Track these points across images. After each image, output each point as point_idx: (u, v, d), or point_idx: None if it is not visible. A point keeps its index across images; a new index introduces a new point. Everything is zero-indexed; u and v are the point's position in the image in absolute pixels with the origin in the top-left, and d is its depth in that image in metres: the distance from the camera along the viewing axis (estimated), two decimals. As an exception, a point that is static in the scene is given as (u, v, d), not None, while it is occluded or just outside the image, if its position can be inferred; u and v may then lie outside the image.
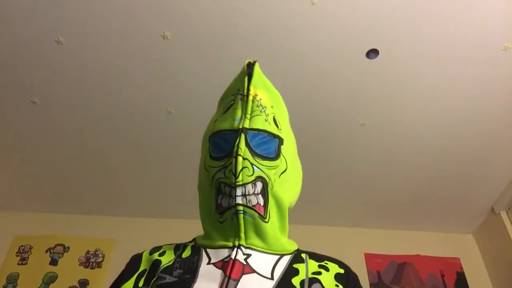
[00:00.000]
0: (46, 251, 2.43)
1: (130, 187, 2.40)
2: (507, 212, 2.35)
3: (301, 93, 1.82)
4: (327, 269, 0.69)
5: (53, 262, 2.39)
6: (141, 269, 0.70)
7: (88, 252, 2.44)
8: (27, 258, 2.40)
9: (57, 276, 2.34)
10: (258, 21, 1.57)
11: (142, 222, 2.57)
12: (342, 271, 0.70)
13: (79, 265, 2.39)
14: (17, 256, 2.41)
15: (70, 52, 1.68)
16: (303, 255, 0.71)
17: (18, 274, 2.35)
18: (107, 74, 1.77)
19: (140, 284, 0.66)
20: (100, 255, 2.43)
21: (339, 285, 0.66)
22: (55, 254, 2.42)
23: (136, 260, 0.73)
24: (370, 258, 2.46)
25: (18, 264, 2.38)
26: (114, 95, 1.86)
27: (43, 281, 2.32)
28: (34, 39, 1.63)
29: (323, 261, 0.71)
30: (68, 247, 2.45)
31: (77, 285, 2.32)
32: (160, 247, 0.74)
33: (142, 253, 0.74)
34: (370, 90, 1.81)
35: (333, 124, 1.96)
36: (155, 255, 0.71)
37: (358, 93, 1.82)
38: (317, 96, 1.84)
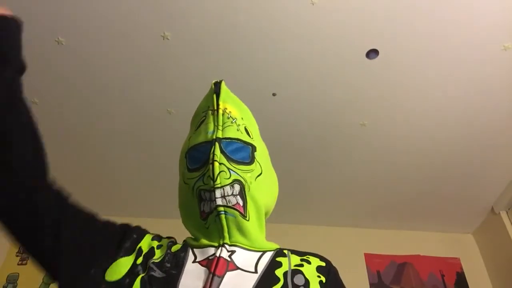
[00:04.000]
0: (46, 251, 2.43)
1: (130, 187, 2.40)
2: (507, 212, 2.35)
3: (301, 93, 1.82)
4: (309, 262, 0.72)
5: (53, 262, 2.39)
6: (141, 245, 0.72)
7: (88, 252, 2.44)
8: (27, 258, 2.40)
9: (57, 276, 2.34)
10: (258, 22, 1.57)
11: (142, 222, 2.54)
12: (323, 263, 0.73)
13: (79, 265, 2.39)
14: (17, 256, 2.41)
15: (70, 52, 1.68)
16: (285, 251, 0.74)
17: (18, 274, 2.34)
18: (107, 74, 1.77)
19: (138, 262, 0.68)
20: (100, 255, 2.43)
21: (321, 276, 0.69)
22: (55, 254, 2.42)
23: (141, 232, 0.77)
24: (370, 258, 2.46)
25: (18, 264, 2.38)
26: (114, 95, 1.86)
27: (43, 281, 2.31)
28: (34, 39, 1.63)
29: (305, 256, 0.74)
30: (68, 247, 2.45)
31: (77, 285, 2.32)
32: (161, 239, 0.76)
33: (145, 233, 0.77)
34: (370, 90, 1.81)
35: (333, 124, 1.96)
36: (154, 243, 0.73)
37: (358, 93, 1.82)
38: (317, 96, 1.84)
